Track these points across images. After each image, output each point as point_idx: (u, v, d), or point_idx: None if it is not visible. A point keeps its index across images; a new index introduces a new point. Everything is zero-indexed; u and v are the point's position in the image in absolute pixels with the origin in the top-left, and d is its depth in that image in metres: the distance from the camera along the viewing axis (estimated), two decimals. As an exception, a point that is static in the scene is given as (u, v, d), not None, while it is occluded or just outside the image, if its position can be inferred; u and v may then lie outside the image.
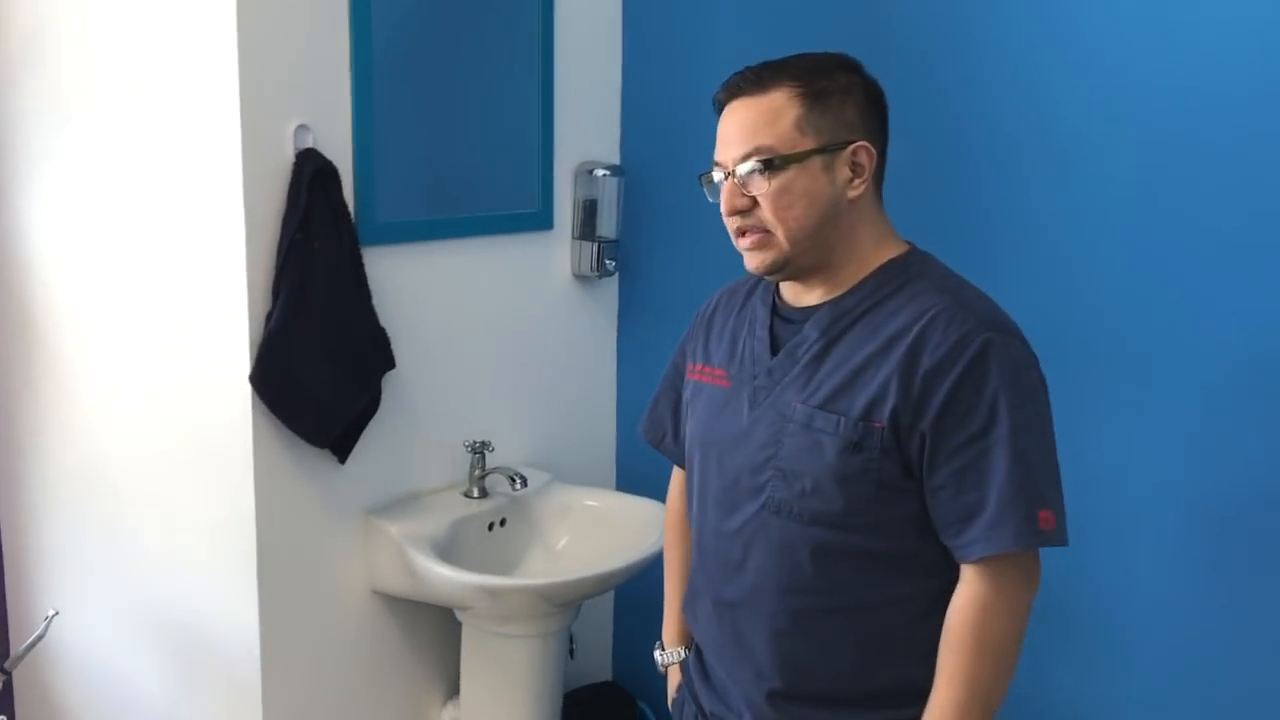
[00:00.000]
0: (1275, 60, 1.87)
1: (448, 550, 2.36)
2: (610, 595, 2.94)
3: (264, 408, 2.17)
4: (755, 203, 1.46)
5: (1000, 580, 1.42)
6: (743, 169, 1.45)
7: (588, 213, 2.73)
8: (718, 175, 1.50)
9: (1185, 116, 1.97)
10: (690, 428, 1.65)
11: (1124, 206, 2.05)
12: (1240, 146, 1.92)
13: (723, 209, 1.49)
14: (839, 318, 1.49)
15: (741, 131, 1.46)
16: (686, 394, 1.68)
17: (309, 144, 2.18)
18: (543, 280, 2.71)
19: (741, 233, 1.49)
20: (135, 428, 2.43)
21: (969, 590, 1.43)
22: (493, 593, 2.30)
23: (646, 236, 2.81)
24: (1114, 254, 2.07)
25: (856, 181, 1.47)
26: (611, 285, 2.87)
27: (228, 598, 2.30)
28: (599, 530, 2.60)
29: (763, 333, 1.56)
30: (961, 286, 1.49)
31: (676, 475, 1.84)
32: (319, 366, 2.17)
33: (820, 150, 1.44)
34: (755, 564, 1.52)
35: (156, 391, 2.37)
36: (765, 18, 2.52)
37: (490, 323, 2.60)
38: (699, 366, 1.65)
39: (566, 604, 2.43)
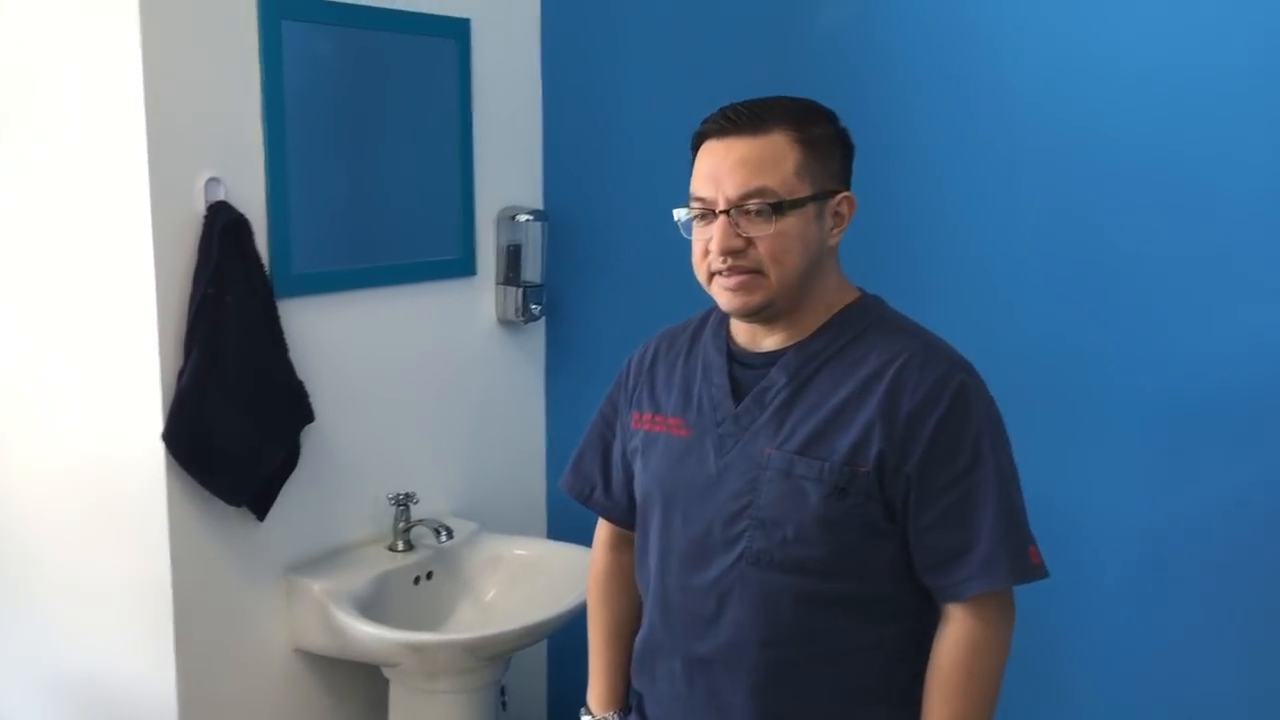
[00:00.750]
0: (1211, 69, 1.92)
1: (372, 606, 2.31)
2: (544, 643, 2.89)
3: (178, 466, 2.12)
4: (749, 243, 1.43)
5: (989, 617, 1.44)
6: (744, 208, 1.43)
7: (512, 258, 2.72)
8: (683, 213, 1.48)
9: (1130, 140, 2.00)
10: (644, 480, 1.59)
11: (1072, 239, 2.08)
12: (1190, 172, 1.95)
13: (716, 248, 1.44)
14: (806, 362, 1.48)
15: (742, 170, 1.43)
16: (633, 444, 1.62)
17: (221, 196, 2.14)
18: (467, 327, 2.68)
19: (720, 272, 1.45)
20: (46, 488, 2.36)
21: (960, 629, 1.44)
22: (418, 649, 2.26)
23: (573, 280, 2.80)
24: (1062, 287, 2.09)
25: (835, 230, 1.48)
26: (538, 330, 2.85)
27: (144, 662, 2.23)
28: (529, 580, 2.56)
29: (720, 378, 1.53)
30: (920, 329, 1.51)
31: (602, 529, 1.76)
32: (233, 422, 2.13)
33: (815, 197, 1.45)
34: (732, 617, 1.48)
35: (68, 451, 2.30)
36: (684, 61, 2.53)
37: (413, 372, 2.56)
38: (648, 416, 1.60)
39: (495, 657, 2.39)
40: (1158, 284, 1.99)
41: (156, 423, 2.10)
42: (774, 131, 1.43)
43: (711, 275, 1.47)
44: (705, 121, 1.48)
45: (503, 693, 2.57)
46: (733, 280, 1.45)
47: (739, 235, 1.43)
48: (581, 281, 2.79)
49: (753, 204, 1.42)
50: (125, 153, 2.07)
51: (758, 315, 1.48)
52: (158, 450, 2.11)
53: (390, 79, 2.50)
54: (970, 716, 1.44)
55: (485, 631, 2.33)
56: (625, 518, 1.69)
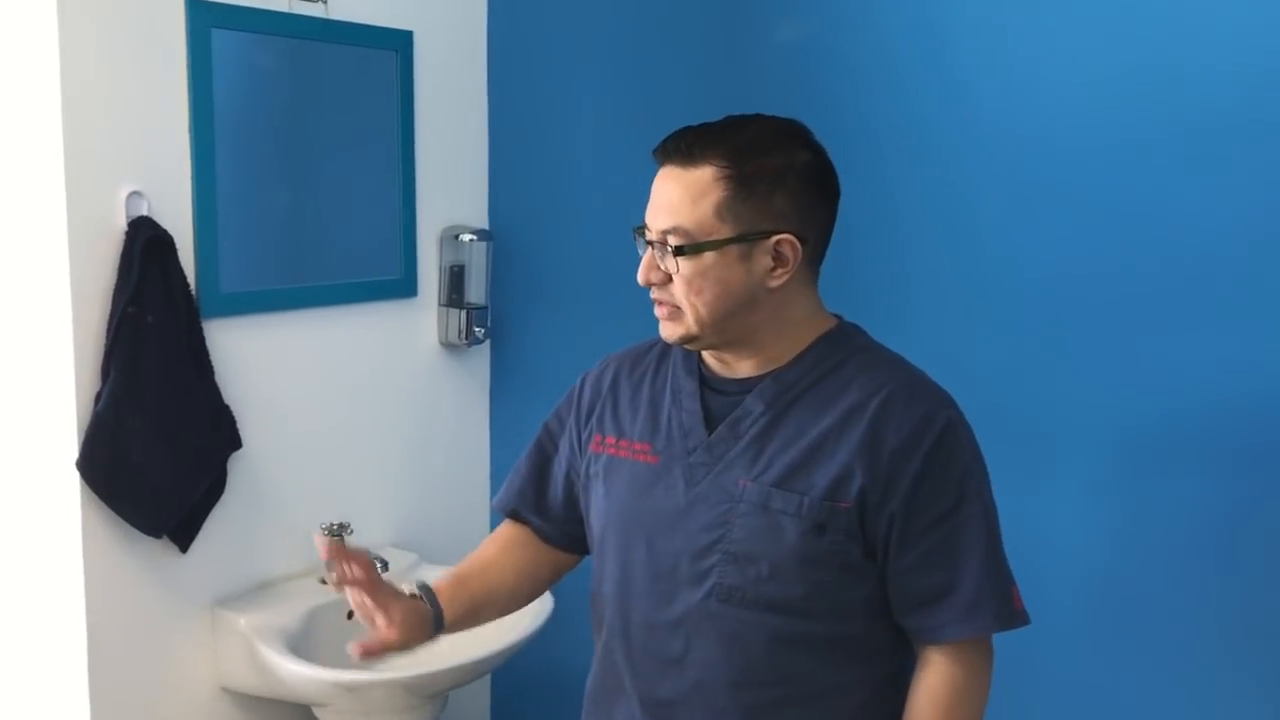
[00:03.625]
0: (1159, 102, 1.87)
1: (302, 642, 2.20)
2: (487, 678, 2.79)
3: (94, 496, 2.00)
4: (669, 278, 1.39)
5: (970, 661, 1.39)
6: (661, 244, 1.38)
7: (455, 279, 2.62)
8: (643, 239, 1.43)
9: (1092, 164, 1.94)
10: (603, 508, 1.50)
11: (1030, 261, 2.01)
12: (1153, 199, 1.89)
13: (639, 277, 1.42)
14: (784, 391, 1.41)
15: (666, 204, 1.38)
16: (593, 469, 1.52)
17: (143, 211, 2.04)
18: (407, 350, 2.59)
19: (657, 301, 1.42)
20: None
21: (940, 673, 1.38)
22: (351, 689, 2.15)
23: (518, 303, 2.71)
24: (1018, 312, 2.03)
25: (779, 271, 1.38)
26: (482, 354, 2.75)
27: (55, 705, 2.11)
28: (469, 613, 2.46)
29: (692, 404, 1.45)
30: (902, 361, 1.45)
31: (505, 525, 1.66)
32: (152, 449, 2.02)
33: (738, 239, 1.36)
34: (699, 657, 1.40)
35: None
36: (636, 77, 2.47)
37: (350, 397, 2.46)
38: (610, 439, 1.51)
39: (434, 695, 2.29)
40: (1117, 310, 1.93)
41: (71, 449, 1.99)
42: (702, 166, 1.36)
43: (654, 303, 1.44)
44: (660, 142, 1.43)
45: (442, 731, 2.46)
46: (659, 310, 1.42)
47: (659, 269, 1.39)
48: (528, 304, 2.70)
49: (670, 241, 1.37)
50: (41, 164, 1.97)
51: (690, 346, 1.44)
52: (72, 479, 2.00)
53: (329, 92, 2.42)
54: None
55: (423, 669, 2.21)
56: (557, 538, 1.61)
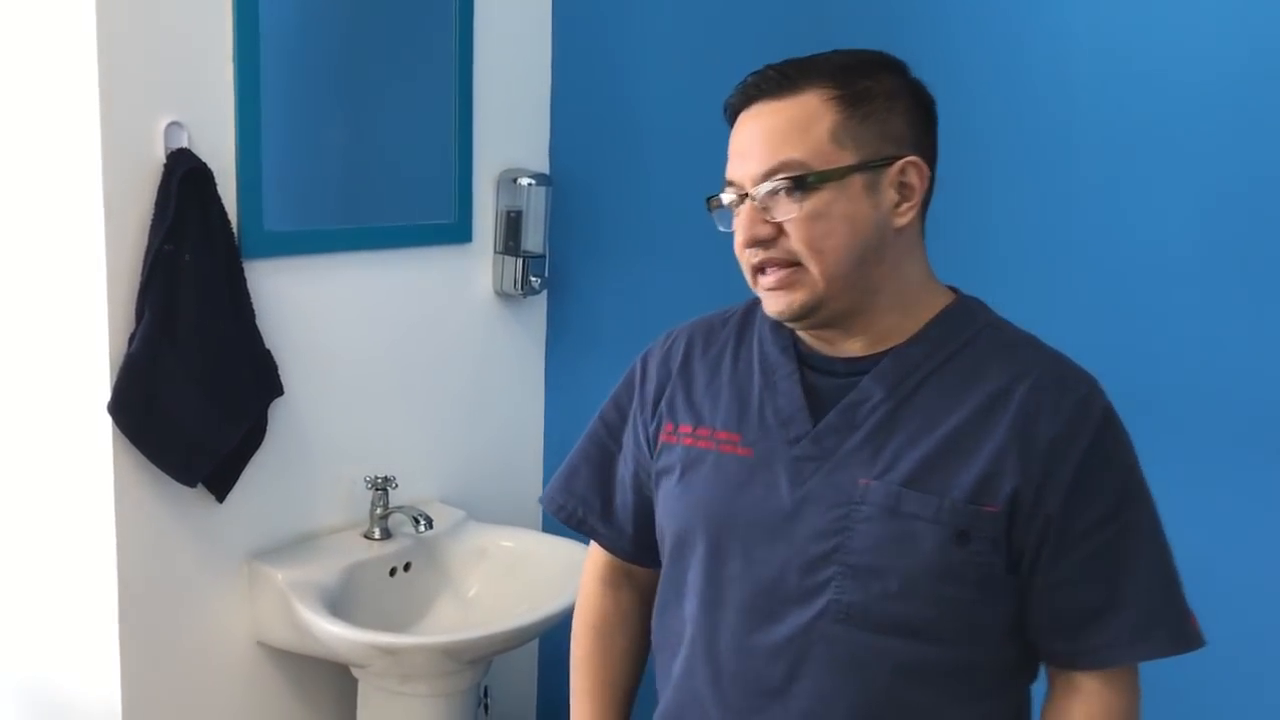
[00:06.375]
0: None
1: (340, 599, 2.11)
2: (534, 641, 2.69)
3: (126, 441, 1.92)
4: (780, 231, 1.18)
5: (1127, 690, 1.21)
6: (765, 188, 1.17)
7: (511, 225, 2.50)
8: (728, 197, 1.22)
9: (1243, 124, 1.74)
10: (680, 509, 1.29)
11: (1172, 241, 1.81)
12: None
13: (739, 240, 1.20)
14: (907, 373, 1.22)
15: (765, 142, 1.18)
16: (663, 463, 1.32)
17: (183, 143, 1.94)
18: (460, 298, 2.47)
19: (762, 269, 1.21)
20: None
21: (1094, 703, 1.20)
22: (389, 651, 2.05)
23: (578, 252, 2.58)
24: (1158, 296, 1.83)
25: (904, 206, 1.20)
26: (539, 304, 2.63)
27: (85, 656, 2.04)
28: (517, 575, 2.36)
29: (791, 387, 1.26)
30: (1039, 340, 1.26)
31: (596, 559, 1.46)
32: (187, 394, 1.92)
33: (862, 166, 1.17)
34: (809, 688, 1.20)
35: (2, 422, 2.11)
36: (712, 13, 2.30)
37: (399, 345, 2.35)
38: (686, 428, 1.31)
39: (476, 660, 2.19)
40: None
41: (103, 392, 1.90)
42: (805, 91, 1.18)
43: (754, 273, 1.23)
44: (733, 90, 1.24)
45: (485, 695, 2.37)
46: (770, 278, 1.20)
47: (767, 222, 1.18)
48: (588, 254, 2.57)
49: (778, 181, 1.17)
50: (75, 92, 1.86)
51: (806, 320, 1.22)
52: (104, 422, 1.91)
53: (384, 23, 2.28)
54: None
55: (465, 635, 2.12)
56: (630, 550, 1.42)
